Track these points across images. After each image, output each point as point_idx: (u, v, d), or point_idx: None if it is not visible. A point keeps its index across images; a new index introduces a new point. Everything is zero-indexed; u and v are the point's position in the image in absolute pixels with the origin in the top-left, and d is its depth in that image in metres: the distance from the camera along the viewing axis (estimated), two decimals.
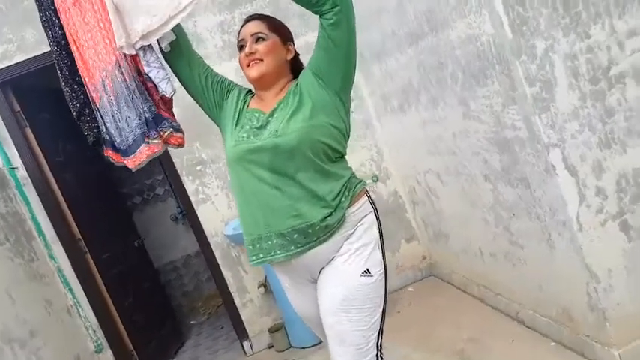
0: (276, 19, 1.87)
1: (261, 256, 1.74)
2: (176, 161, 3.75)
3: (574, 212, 2.15)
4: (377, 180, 4.03)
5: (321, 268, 1.78)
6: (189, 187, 3.79)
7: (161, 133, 1.93)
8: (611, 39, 2.11)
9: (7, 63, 3.62)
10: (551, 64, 2.08)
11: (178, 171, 3.78)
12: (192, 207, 3.80)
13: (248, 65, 1.78)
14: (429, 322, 3.32)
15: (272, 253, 1.72)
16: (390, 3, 2.93)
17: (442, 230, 3.61)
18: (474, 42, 2.29)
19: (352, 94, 3.74)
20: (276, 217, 1.69)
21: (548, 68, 2.08)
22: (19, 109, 3.70)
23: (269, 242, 1.71)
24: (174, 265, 5.79)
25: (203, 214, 3.81)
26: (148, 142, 1.94)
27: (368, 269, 1.73)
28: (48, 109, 3.90)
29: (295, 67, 1.88)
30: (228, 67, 3.39)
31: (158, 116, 1.94)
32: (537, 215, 2.38)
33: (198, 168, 3.78)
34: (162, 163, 3.93)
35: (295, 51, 1.88)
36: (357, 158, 3.97)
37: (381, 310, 1.77)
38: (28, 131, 3.71)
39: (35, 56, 3.57)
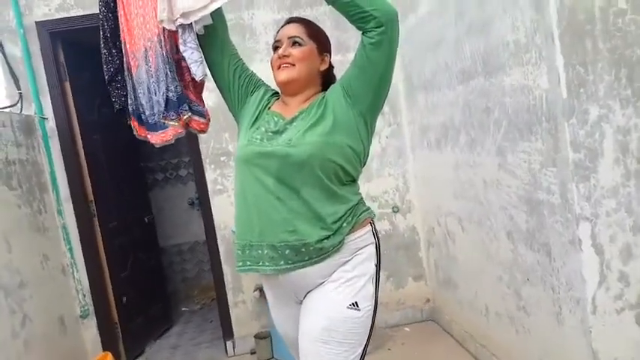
0: (318, 27, 1.80)
1: (248, 263, 1.67)
2: (202, 147, 3.72)
3: (591, 292, 2.02)
4: (397, 211, 3.93)
5: (309, 291, 1.69)
6: (210, 175, 3.76)
7: (180, 116, 1.89)
8: None
9: (62, 14, 3.65)
10: (602, 133, 1.96)
11: (203, 157, 3.74)
12: (208, 195, 3.76)
13: (279, 67, 1.72)
14: None
15: (260, 264, 1.64)
16: (450, 36, 2.84)
17: (452, 277, 3.48)
18: (526, 93, 2.19)
19: (391, 118, 3.81)
20: (272, 229, 1.61)
21: (597, 137, 1.96)
22: (63, 61, 3.72)
23: (259, 252, 1.63)
24: (180, 248, 5.76)
25: (217, 204, 3.76)
26: (165, 123, 1.90)
27: (356, 302, 1.63)
28: (92, 68, 3.87)
29: (327, 79, 1.81)
30: None
31: (182, 98, 1.90)
32: (552, 286, 2.25)
33: (222, 158, 3.74)
34: (190, 146, 3.89)
35: (330, 63, 1.80)
36: (382, 184, 3.90)
37: (361, 349, 1.66)
38: (67, 85, 3.73)
39: (91, 14, 3.56)
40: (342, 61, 3.39)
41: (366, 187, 3.85)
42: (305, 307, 1.70)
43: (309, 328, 1.64)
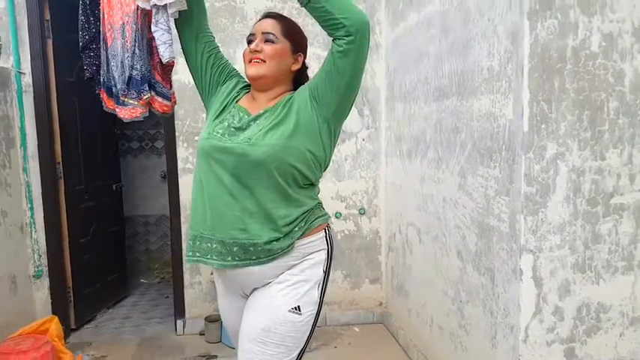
0: (296, 25, 1.79)
1: (197, 255, 1.68)
2: (177, 123, 3.71)
3: (525, 322, 2.08)
4: (364, 213, 3.97)
5: (255, 288, 1.71)
6: (181, 152, 3.75)
7: (141, 95, 1.89)
8: (624, 168, 2.03)
9: None
10: (556, 171, 2.00)
11: (177, 133, 3.74)
12: (177, 172, 3.75)
13: (250, 61, 1.71)
14: None
15: (208, 257, 1.66)
16: (432, 52, 2.86)
17: (405, 285, 3.54)
18: (492, 121, 2.22)
19: (370, 122, 3.83)
20: (223, 224, 1.62)
21: (551, 173, 2.01)
22: (48, 18, 3.67)
23: (209, 245, 1.65)
24: (147, 220, 5.74)
25: (185, 183, 3.76)
26: (124, 102, 1.90)
27: (299, 307, 1.65)
28: (77, 29, 3.86)
29: (299, 79, 1.80)
30: None
31: (145, 77, 1.90)
32: (491, 310, 2.30)
33: (196, 137, 3.73)
34: (165, 120, 3.87)
35: (304, 63, 1.79)
36: (352, 185, 3.93)
37: (298, 352, 1.69)
38: (49, 43, 3.69)
39: None
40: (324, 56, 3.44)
41: (337, 186, 3.88)
42: (249, 304, 1.72)
43: (248, 327, 1.66)
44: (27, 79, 3.61)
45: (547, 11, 1.94)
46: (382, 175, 3.95)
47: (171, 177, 3.79)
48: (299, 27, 1.80)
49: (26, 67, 3.60)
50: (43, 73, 3.63)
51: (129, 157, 5.62)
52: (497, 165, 2.19)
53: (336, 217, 3.91)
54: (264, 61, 1.69)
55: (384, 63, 3.77)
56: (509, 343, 2.16)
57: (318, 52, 3.42)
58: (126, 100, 1.92)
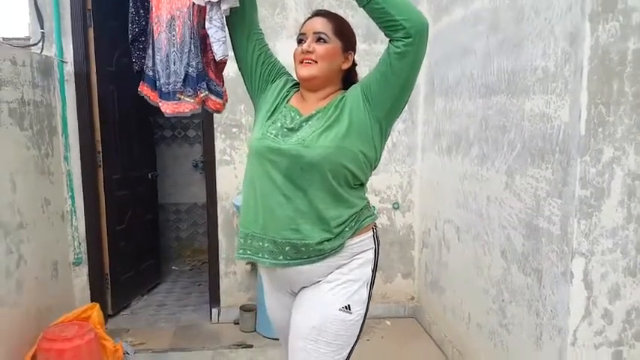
0: (345, 22, 1.77)
1: (248, 252, 1.70)
2: (215, 115, 3.72)
3: (574, 324, 2.07)
4: (398, 207, 3.97)
5: (304, 287, 1.73)
6: (219, 144, 3.77)
7: (198, 93, 1.90)
8: None
9: None
10: (612, 175, 1.98)
11: (215, 125, 3.76)
12: (215, 164, 3.79)
13: (301, 62, 1.70)
14: None
15: (260, 255, 1.68)
16: (480, 48, 2.84)
17: (440, 282, 3.54)
18: (545, 121, 2.20)
19: (407, 115, 3.80)
20: (275, 224, 1.63)
21: (606, 177, 1.99)
22: (90, 7, 3.70)
23: (260, 244, 1.67)
24: (178, 208, 5.81)
25: (222, 174, 3.79)
26: (180, 98, 1.91)
27: (349, 306, 1.67)
28: (119, 17, 3.86)
29: (348, 77, 1.79)
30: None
31: (201, 75, 1.90)
32: (537, 311, 2.30)
33: (234, 130, 3.76)
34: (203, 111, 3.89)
35: (354, 61, 1.78)
36: (387, 179, 3.93)
37: (349, 350, 1.71)
38: (91, 31, 3.73)
39: None
40: (367, 50, 3.42)
41: (371, 179, 3.81)
42: (298, 302, 1.74)
43: (299, 325, 1.68)
44: (69, 68, 3.65)
45: (609, 13, 1.91)
46: (418, 170, 3.94)
47: (209, 168, 3.82)
48: (349, 24, 1.79)
49: (68, 55, 3.64)
50: (84, 62, 3.68)
51: (162, 145, 5.68)
52: (550, 166, 2.17)
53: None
54: (316, 62, 1.68)
55: (425, 57, 3.73)
56: (555, 345, 2.16)
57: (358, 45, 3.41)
58: (182, 97, 1.93)
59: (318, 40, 1.69)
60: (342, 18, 1.78)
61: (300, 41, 1.74)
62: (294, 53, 1.74)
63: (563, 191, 2.09)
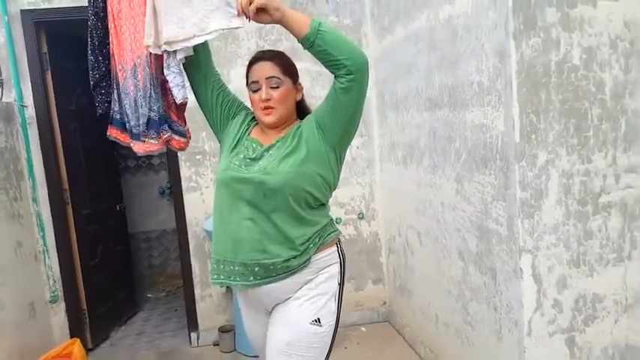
0: (285, 57, 1.89)
1: (222, 277, 1.82)
2: None
3: (528, 316, 2.24)
4: (362, 217, 4.13)
5: (276, 304, 1.86)
6: (184, 172, 3.87)
7: (161, 134, 2.01)
8: (609, 169, 2.20)
9: (46, 5, 3.71)
10: (548, 176, 2.17)
11: (179, 154, 3.85)
12: (182, 192, 3.88)
13: (263, 109, 1.82)
14: None
15: (232, 279, 1.80)
16: (422, 65, 3.02)
17: (407, 285, 3.70)
18: (485, 132, 2.38)
19: (363, 130, 3.98)
20: (244, 248, 1.76)
21: (543, 179, 2.17)
22: (45, 50, 3.78)
23: (231, 267, 1.79)
24: (148, 236, 5.85)
25: (190, 201, 3.89)
26: (144, 140, 2.02)
27: (319, 319, 1.80)
28: (74, 58, 3.94)
29: (300, 105, 1.95)
30: None
31: (163, 118, 2.02)
32: (495, 306, 2.47)
33: (197, 157, 3.87)
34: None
35: (302, 89, 1.93)
36: (350, 192, 4.08)
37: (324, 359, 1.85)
38: (48, 74, 3.80)
39: (75, 6, 3.62)
40: (319, 72, 3.57)
41: (335, 193, 3.92)
42: (272, 320, 1.86)
43: (274, 343, 1.81)
44: (30, 112, 3.71)
45: (531, 30, 2.10)
46: (378, 181, 4.11)
47: (176, 197, 3.91)
48: (287, 56, 1.91)
49: (28, 99, 3.71)
50: (44, 105, 3.74)
51: (127, 175, 5.72)
52: (493, 172, 2.35)
53: (337, 222, 4.06)
54: (276, 108, 1.82)
55: (374, 73, 3.91)
56: (514, 337, 2.33)
57: (308, 67, 3.55)
58: (146, 139, 2.04)
59: (272, 86, 1.81)
60: (282, 53, 1.91)
61: (255, 89, 1.85)
62: (252, 101, 1.86)
63: (506, 194, 2.27)
